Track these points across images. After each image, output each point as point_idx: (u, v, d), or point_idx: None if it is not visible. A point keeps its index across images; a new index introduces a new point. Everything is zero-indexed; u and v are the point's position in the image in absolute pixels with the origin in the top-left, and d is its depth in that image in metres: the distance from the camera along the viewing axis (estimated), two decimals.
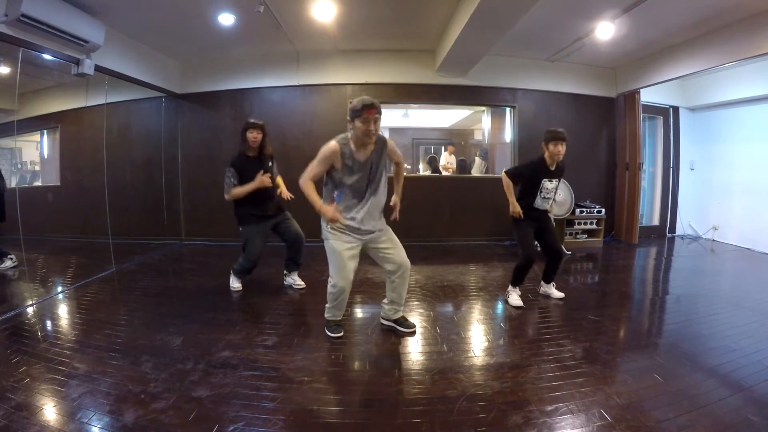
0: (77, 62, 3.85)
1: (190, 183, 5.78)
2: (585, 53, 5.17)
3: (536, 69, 5.66)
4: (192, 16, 4.09)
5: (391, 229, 2.58)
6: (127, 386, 1.96)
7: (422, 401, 1.87)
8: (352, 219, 2.38)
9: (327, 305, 2.60)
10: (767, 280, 4.13)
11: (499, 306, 3.25)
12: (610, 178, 6.04)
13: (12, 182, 4.96)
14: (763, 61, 4.39)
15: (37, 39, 3.39)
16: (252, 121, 3.28)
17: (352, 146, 2.29)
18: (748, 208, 5.53)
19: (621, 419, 1.69)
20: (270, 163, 3.37)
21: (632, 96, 5.63)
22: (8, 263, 4.20)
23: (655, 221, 6.42)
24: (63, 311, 3.21)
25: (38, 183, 6.11)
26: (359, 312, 3.13)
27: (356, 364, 2.26)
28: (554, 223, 3.41)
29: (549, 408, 1.79)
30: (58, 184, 5.83)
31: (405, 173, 2.73)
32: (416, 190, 5.33)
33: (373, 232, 2.45)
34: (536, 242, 3.28)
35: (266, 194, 3.32)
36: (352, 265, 2.43)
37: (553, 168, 3.11)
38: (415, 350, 2.45)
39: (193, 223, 5.81)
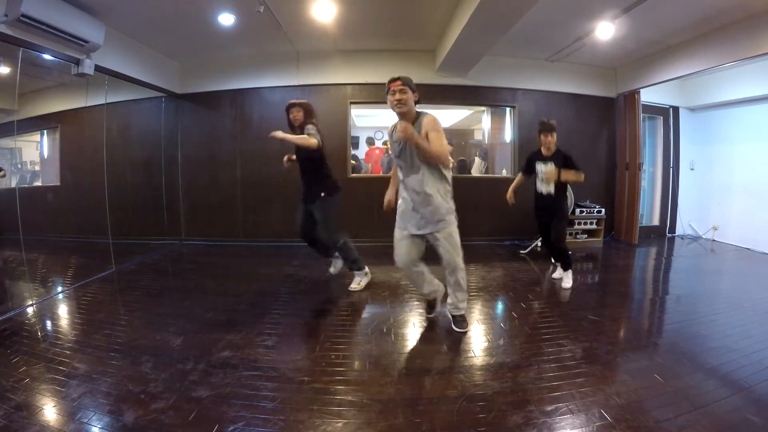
0: (77, 62, 3.84)
1: (190, 183, 5.78)
2: (585, 53, 5.17)
3: (536, 69, 5.66)
4: (192, 16, 4.09)
5: (451, 226, 2.53)
6: (127, 386, 1.96)
7: (422, 401, 1.87)
8: (402, 197, 2.59)
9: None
10: (767, 280, 4.13)
11: (499, 306, 3.25)
12: (610, 178, 6.04)
13: (12, 182, 4.96)
14: (763, 61, 4.39)
15: (37, 39, 3.39)
16: (293, 101, 3.45)
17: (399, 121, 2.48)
18: (748, 208, 5.53)
19: (621, 419, 1.69)
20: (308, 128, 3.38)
21: (632, 96, 5.63)
22: None
23: (655, 221, 6.42)
24: (63, 311, 3.21)
25: (38, 183, 6.11)
26: (359, 312, 3.13)
27: (356, 364, 2.26)
28: (564, 220, 3.69)
29: (549, 408, 1.79)
30: (58, 184, 5.82)
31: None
32: None
33: (419, 216, 2.50)
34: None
35: (304, 177, 3.45)
36: (403, 248, 2.60)
37: (547, 154, 3.55)
38: (415, 350, 2.45)
39: (193, 223, 5.81)
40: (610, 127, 6.00)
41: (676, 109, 6.22)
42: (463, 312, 2.71)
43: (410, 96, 2.41)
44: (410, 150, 2.43)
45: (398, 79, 2.40)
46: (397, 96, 2.38)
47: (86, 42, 3.69)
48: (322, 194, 3.36)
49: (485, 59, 4.97)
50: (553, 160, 3.50)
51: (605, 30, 4.16)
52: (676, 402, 1.82)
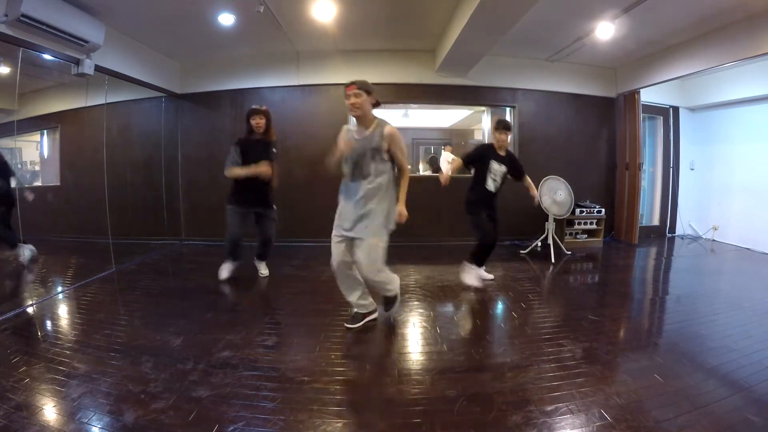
0: (77, 62, 3.84)
1: (190, 183, 5.77)
2: (585, 53, 5.17)
3: (536, 69, 5.66)
4: (192, 16, 4.08)
5: (376, 231, 2.46)
6: (127, 386, 1.96)
7: (422, 401, 1.87)
8: (343, 198, 2.53)
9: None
10: (767, 280, 4.13)
11: (499, 306, 3.25)
12: (610, 178, 6.04)
13: (12, 182, 4.96)
14: (763, 61, 4.39)
15: (37, 39, 3.39)
16: (255, 107, 3.44)
17: (356, 124, 2.52)
18: (748, 208, 5.53)
19: (621, 419, 1.69)
20: (273, 150, 3.48)
21: (632, 96, 5.63)
22: (27, 253, 4.24)
23: (655, 221, 6.42)
24: (63, 311, 3.21)
25: (38, 183, 6.11)
26: None
27: (356, 364, 2.26)
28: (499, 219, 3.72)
29: (549, 408, 1.79)
30: (58, 184, 5.82)
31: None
32: (416, 190, 5.32)
33: (356, 222, 2.46)
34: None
35: (256, 183, 3.42)
36: (337, 249, 2.54)
37: (502, 154, 3.54)
38: (415, 350, 2.45)
39: (193, 223, 5.81)
40: (610, 127, 6.00)
41: (676, 109, 6.22)
42: (392, 294, 2.72)
43: (365, 100, 2.40)
44: (369, 159, 2.44)
45: (353, 83, 2.40)
46: (352, 100, 2.38)
47: (86, 42, 3.69)
48: (272, 204, 3.63)
49: (485, 59, 4.97)
50: (506, 163, 3.55)
51: (605, 30, 4.16)
52: (676, 402, 1.82)
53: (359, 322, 2.69)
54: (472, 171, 3.65)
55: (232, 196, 3.54)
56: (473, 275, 3.62)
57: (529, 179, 3.79)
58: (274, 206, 3.71)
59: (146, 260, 4.79)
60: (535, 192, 3.82)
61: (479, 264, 3.66)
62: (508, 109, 5.94)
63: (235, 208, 3.53)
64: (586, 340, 2.51)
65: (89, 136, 5.47)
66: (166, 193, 5.77)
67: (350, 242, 2.52)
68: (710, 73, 5.33)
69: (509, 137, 3.56)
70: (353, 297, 2.70)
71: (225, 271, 3.80)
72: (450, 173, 3.58)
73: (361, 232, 2.45)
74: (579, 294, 3.60)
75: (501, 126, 3.50)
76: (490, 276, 3.81)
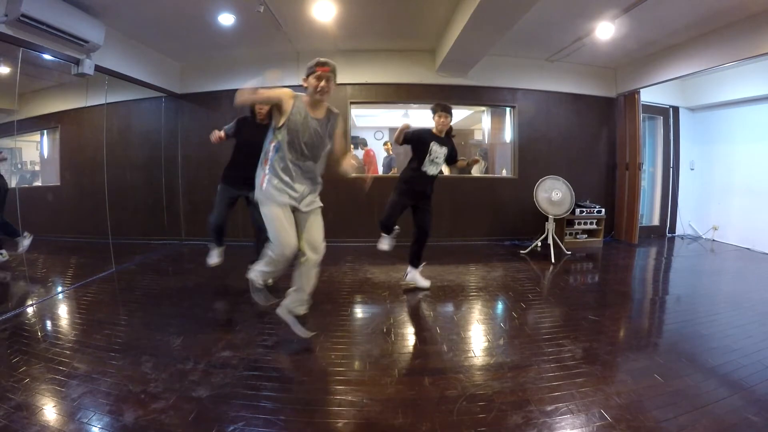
0: (77, 62, 3.85)
1: (190, 183, 5.77)
2: (585, 53, 5.17)
3: (536, 69, 5.66)
4: (192, 16, 4.09)
5: (320, 212, 2.41)
6: (127, 386, 1.96)
7: (422, 401, 1.87)
8: (288, 177, 2.24)
9: (258, 267, 2.43)
10: (767, 280, 4.13)
11: (499, 306, 3.25)
12: (610, 178, 6.04)
13: (12, 182, 4.96)
14: (764, 61, 4.39)
15: (37, 39, 3.39)
16: None
17: (305, 101, 2.26)
18: (748, 208, 5.53)
19: (621, 419, 1.69)
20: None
21: (632, 96, 5.63)
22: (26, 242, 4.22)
23: (655, 221, 6.42)
24: (63, 311, 3.20)
25: (38, 183, 6.11)
26: (359, 312, 3.14)
27: (356, 364, 2.25)
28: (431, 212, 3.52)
29: (549, 408, 1.79)
30: (58, 184, 5.82)
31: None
32: None
33: (305, 196, 2.29)
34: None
35: (248, 163, 3.31)
36: (291, 229, 2.26)
37: (442, 135, 3.41)
38: (415, 350, 2.45)
39: (193, 223, 5.80)
40: (610, 127, 6.00)
41: (676, 109, 6.22)
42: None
43: (333, 86, 2.25)
44: (326, 142, 2.31)
45: (327, 64, 2.21)
46: (323, 83, 2.19)
47: (86, 42, 3.69)
48: None
49: (485, 59, 4.97)
50: (446, 145, 3.40)
51: (605, 30, 4.16)
52: (676, 402, 1.82)
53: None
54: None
55: (224, 173, 3.48)
56: (385, 242, 3.52)
57: (460, 161, 3.62)
58: None
59: (146, 260, 4.79)
60: (465, 160, 3.65)
61: (388, 232, 3.47)
62: (508, 109, 5.94)
63: (226, 187, 3.48)
64: (586, 340, 2.50)
65: (89, 136, 5.48)
66: (166, 193, 5.77)
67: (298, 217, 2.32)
68: (710, 73, 5.33)
69: (449, 119, 3.38)
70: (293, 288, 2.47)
71: (215, 256, 3.67)
72: (399, 135, 3.30)
73: (312, 206, 2.34)
74: (579, 294, 3.60)
75: (440, 108, 3.34)
76: (426, 283, 3.56)
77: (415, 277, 3.55)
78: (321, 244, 2.39)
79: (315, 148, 2.27)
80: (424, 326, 2.77)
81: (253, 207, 3.52)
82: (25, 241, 4.20)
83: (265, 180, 2.25)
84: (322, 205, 2.42)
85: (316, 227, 2.37)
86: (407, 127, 3.23)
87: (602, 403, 1.81)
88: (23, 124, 5.37)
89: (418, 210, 3.45)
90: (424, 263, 3.59)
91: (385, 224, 3.43)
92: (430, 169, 3.38)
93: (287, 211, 2.25)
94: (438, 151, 3.36)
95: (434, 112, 3.37)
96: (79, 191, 5.62)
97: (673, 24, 4.22)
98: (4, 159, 4.39)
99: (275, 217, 2.21)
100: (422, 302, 3.27)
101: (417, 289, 3.52)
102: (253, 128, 3.33)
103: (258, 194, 2.29)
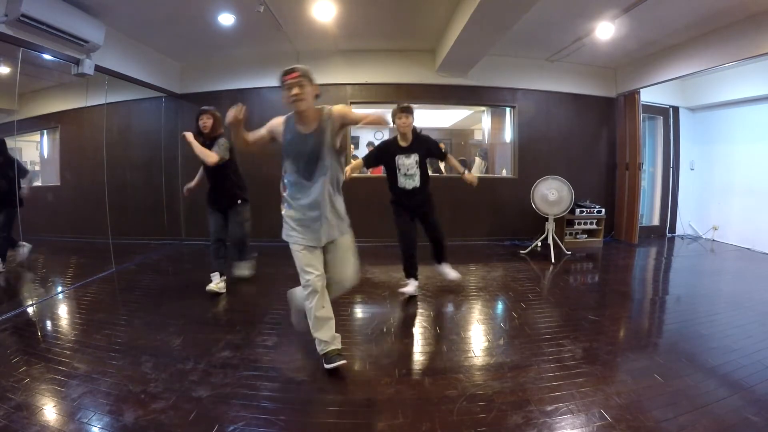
0: (77, 62, 3.84)
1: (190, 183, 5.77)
2: (585, 53, 5.17)
3: (536, 69, 5.66)
4: (192, 16, 4.09)
5: (350, 238, 2.23)
6: (127, 386, 1.96)
7: (422, 401, 1.87)
8: (299, 204, 2.12)
9: (298, 306, 2.30)
10: (767, 280, 4.13)
11: (499, 306, 3.25)
12: (610, 178, 6.04)
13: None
14: (764, 61, 4.38)
15: (37, 39, 3.39)
16: (204, 107, 3.37)
17: (295, 119, 2.12)
18: (748, 208, 5.52)
19: (621, 419, 1.69)
20: (220, 141, 3.31)
21: (632, 96, 5.62)
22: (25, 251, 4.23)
23: (655, 221, 6.42)
24: (63, 311, 3.21)
25: (38, 183, 6.10)
26: (359, 312, 3.13)
27: (356, 364, 2.25)
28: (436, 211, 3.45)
29: (549, 408, 1.79)
30: (58, 184, 5.82)
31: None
32: None
33: (323, 223, 2.10)
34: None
35: (218, 184, 3.43)
36: (315, 260, 2.12)
37: (405, 144, 3.18)
38: (415, 350, 2.45)
39: (193, 223, 5.80)
40: (610, 127, 6.00)
41: (676, 109, 6.22)
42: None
43: (310, 90, 2.01)
44: (325, 153, 2.07)
45: (294, 69, 1.98)
46: (295, 90, 1.96)
47: (86, 42, 3.69)
48: (239, 201, 3.49)
49: (485, 59, 4.97)
50: (415, 151, 3.16)
51: (605, 30, 4.16)
52: (676, 402, 1.82)
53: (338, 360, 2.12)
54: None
55: (207, 197, 3.53)
56: (410, 287, 3.35)
57: (453, 159, 3.40)
58: (244, 205, 3.52)
59: (146, 260, 4.79)
60: (464, 171, 3.38)
61: (408, 274, 3.35)
62: (508, 109, 5.94)
63: (209, 208, 3.54)
64: (586, 340, 2.50)
65: (89, 136, 5.47)
66: (166, 193, 5.77)
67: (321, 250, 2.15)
68: (710, 73, 5.33)
69: (411, 119, 3.12)
70: (329, 329, 2.17)
71: (244, 269, 3.76)
72: (349, 174, 2.81)
73: (338, 233, 2.17)
74: (579, 294, 3.60)
75: (399, 110, 3.11)
76: (455, 274, 3.57)
77: (444, 269, 3.59)
78: (348, 280, 2.23)
79: (312, 163, 2.08)
80: (424, 326, 2.77)
81: (231, 222, 3.53)
82: (23, 250, 4.20)
83: (283, 210, 2.22)
84: (350, 234, 2.24)
85: (342, 262, 2.20)
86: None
87: (602, 403, 1.81)
88: (23, 124, 5.37)
89: (423, 222, 3.38)
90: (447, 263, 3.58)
91: (405, 256, 3.28)
92: (408, 183, 3.19)
93: (308, 249, 2.13)
94: (406, 163, 3.15)
95: (394, 115, 3.13)
96: (79, 191, 5.62)
97: (673, 24, 4.22)
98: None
99: (296, 257, 2.15)
100: (422, 302, 3.27)
101: (416, 291, 3.53)
102: (203, 145, 3.27)
103: (283, 234, 2.22)
